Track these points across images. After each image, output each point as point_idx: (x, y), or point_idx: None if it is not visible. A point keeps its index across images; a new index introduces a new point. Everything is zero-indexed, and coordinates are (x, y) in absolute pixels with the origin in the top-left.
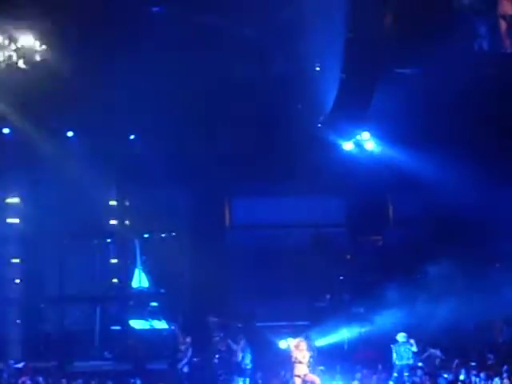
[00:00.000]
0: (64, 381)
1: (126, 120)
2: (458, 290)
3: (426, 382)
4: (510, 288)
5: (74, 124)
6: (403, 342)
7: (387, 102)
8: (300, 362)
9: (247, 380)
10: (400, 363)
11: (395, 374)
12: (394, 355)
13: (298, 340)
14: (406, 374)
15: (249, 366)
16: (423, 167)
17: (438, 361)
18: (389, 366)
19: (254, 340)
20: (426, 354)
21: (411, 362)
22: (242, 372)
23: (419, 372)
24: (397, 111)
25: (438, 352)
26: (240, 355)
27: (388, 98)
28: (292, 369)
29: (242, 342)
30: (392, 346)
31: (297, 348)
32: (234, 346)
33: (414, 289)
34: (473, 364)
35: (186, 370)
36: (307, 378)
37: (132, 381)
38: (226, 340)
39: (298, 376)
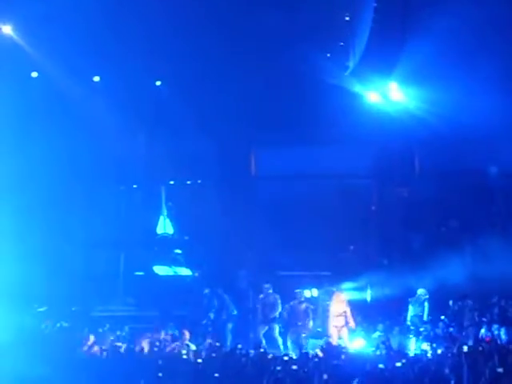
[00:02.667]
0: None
1: (152, 66)
2: (481, 244)
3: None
4: None
5: (101, 69)
6: (419, 298)
7: (416, 53)
8: (338, 314)
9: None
10: (412, 318)
11: (412, 328)
12: (410, 309)
13: (337, 292)
14: (422, 329)
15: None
16: (451, 119)
17: (469, 311)
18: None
19: (279, 289)
20: (457, 306)
21: (424, 318)
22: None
23: (441, 325)
24: (425, 62)
25: (469, 301)
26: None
27: (417, 50)
28: (328, 320)
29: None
30: (409, 299)
31: (336, 300)
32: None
33: (438, 241)
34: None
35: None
36: (341, 330)
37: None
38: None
39: (335, 327)
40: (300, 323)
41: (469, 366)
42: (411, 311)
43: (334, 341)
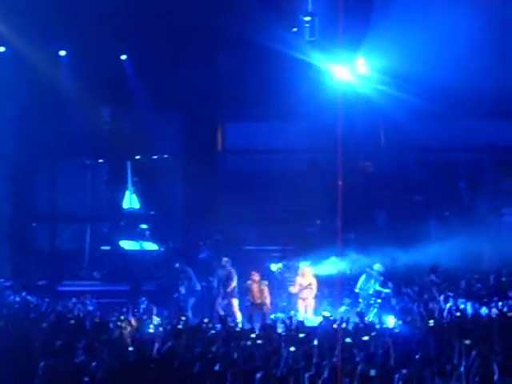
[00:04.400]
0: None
1: (117, 40)
2: (447, 219)
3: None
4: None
5: (66, 43)
6: (372, 273)
7: (383, 28)
8: (305, 287)
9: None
10: (362, 291)
11: (360, 300)
12: (360, 281)
13: (304, 267)
14: (372, 301)
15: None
16: (417, 93)
17: (434, 285)
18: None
19: (245, 263)
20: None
21: (371, 292)
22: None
23: (405, 299)
24: (391, 35)
25: (433, 277)
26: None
27: (384, 24)
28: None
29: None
30: (364, 272)
31: (302, 275)
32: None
33: (403, 216)
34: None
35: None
36: (307, 302)
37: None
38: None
39: (303, 299)
40: (259, 301)
41: (436, 340)
42: (362, 283)
43: (301, 314)
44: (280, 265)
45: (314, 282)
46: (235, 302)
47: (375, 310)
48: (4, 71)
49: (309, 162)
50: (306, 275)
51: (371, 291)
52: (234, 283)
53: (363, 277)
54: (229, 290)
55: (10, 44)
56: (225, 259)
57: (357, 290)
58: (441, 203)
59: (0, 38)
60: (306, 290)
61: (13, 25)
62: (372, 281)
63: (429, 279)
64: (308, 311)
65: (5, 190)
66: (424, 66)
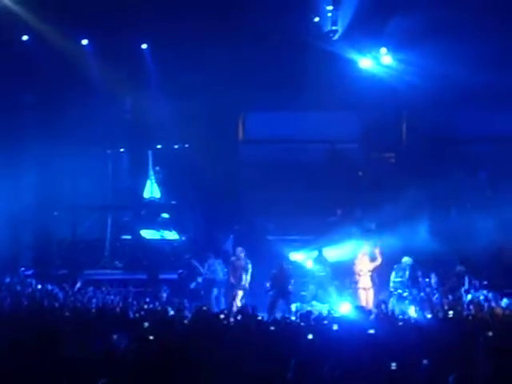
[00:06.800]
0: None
1: (139, 29)
2: (467, 210)
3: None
4: None
5: (88, 32)
6: (403, 264)
7: (405, 18)
8: (364, 275)
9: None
10: (395, 283)
11: (395, 292)
12: (393, 274)
13: (361, 254)
14: (406, 293)
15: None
16: (440, 85)
17: (459, 279)
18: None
19: (266, 253)
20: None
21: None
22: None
23: (428, 289)
24: (416, 26)
25: (462, 267)
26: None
27: (406, 14)
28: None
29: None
30: (394, 266)
31: (360, 261)
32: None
33: (424, 207)
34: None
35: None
36: (368, 293)
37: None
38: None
39: (363, 288)
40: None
41: (457, 331)
42: (394, 277)
43: (363, 303)
44: (310, 259)
45: (370, 267)
46: (240, 293)
47: (406, 301)
48: (27, 59)
49: (330, 152)
50: (363, 262)
51: (403, 281)
52: (249, 275)
53: (394, 272)
54: (243, 282)
55: (32, 32)
56: (239, 249)
57: (391, 285)
58: (462, 194)
59: (23, 26)
60: (365, 278)
61: (36, 13)
62: (400, 273)
63: (456, 270)
64: (369, 302)
65: (29, 180)
66: (448, 56)
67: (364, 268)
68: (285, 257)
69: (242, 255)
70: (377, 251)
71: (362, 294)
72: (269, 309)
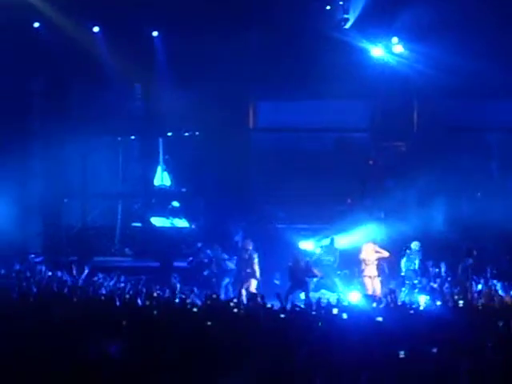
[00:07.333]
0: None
1: (150, 17)
2: (478, 198)
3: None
4: None
5: (100, 19)
6: (413, 251)
7: (417, 8)
8: (370, 264)
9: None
10: (407, 271)
11: (407, 281)
12: (404, 261)
13: (367, 243)
14: (416, 281)
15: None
16: (452, 74)
17: (468, 269)
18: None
19: (276, 242)
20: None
21: (415, 268)
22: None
23: (438, 280)
24: (427, 15)
25: (470, 260)
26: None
27: (418, 4)
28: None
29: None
30: (407, 251)
31: (366, 250)
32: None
33: (436, 196)
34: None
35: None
36: (374, 281)
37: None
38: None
39: (369, 277)
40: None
41: (467, 321)
42: (405, 265)
43: (370, 291)
44: (319, 247)
45: (374, 257)
46: (254, 283)
47: (406, 290)
48: (38, 46)
49: (341, 140)
50: (370, 251)
51: (415, 268)
52: (256, 265)
53: (404, 259)
54: (249, 270)
55: (44, 19)
56: (247, 241)
57: (402, 274)
58: (474, 183)
59: (35, 13)
60: (371, 267)
61: (47, 0)
62: (412, 260)
63: (464, 262)
64: (376, 291)
65: (37, 166)
66: (459, 46)
67: (370, 257)
68: (300, 249)
69: (250, 247)
70: (376, 247)
71: (368, 282)
72: (284, 298)
